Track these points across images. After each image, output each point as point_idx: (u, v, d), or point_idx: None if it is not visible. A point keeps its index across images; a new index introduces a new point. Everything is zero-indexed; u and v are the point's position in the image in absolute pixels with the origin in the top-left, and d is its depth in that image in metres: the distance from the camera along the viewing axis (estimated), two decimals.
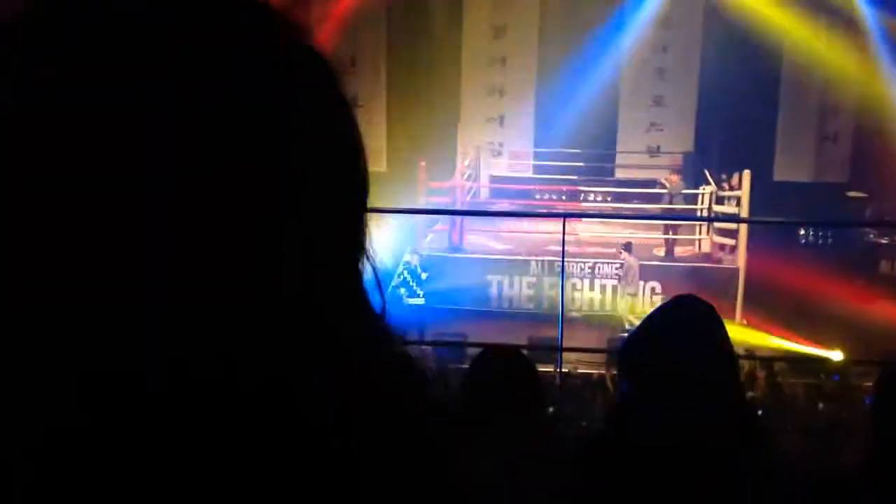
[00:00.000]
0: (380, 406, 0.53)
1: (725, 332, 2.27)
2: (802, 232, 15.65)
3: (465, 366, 2.95)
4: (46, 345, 0.44)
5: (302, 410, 0.49)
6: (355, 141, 0.57)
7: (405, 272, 12.80)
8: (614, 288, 13.56)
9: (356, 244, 0.57)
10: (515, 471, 2.41)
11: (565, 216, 4.93)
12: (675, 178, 14.73)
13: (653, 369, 2.09)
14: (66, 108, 0.45)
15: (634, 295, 12.90)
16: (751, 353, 9.91)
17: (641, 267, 13.56)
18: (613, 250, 13.22)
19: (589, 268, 13.62)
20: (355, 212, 0.57)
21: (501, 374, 2.64)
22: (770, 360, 10.28)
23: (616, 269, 13.05)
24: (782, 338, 11.63)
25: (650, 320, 2.27)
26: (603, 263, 13.64)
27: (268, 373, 0.48)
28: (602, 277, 13.59)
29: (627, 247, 13.13)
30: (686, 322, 2.19)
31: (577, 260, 13.46)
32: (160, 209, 0.45)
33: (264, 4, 0.52)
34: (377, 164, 17.19)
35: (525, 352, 2.92)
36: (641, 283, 13.31)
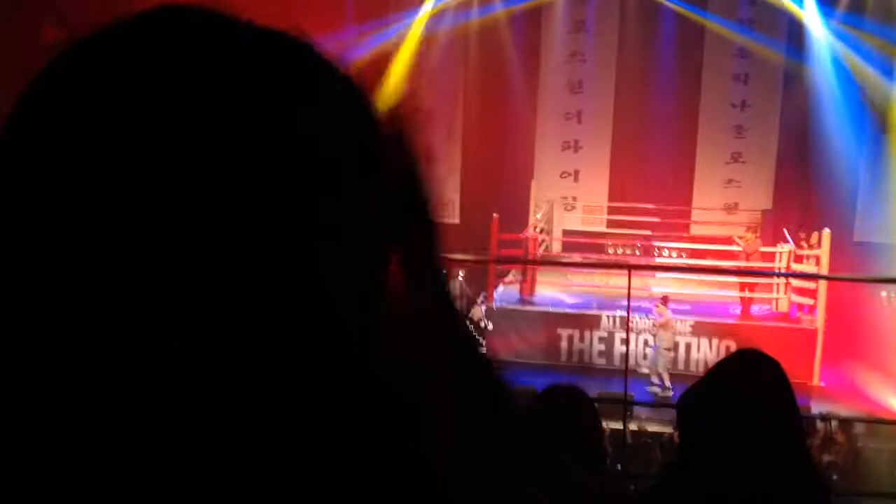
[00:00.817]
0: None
1: (791, 389, 2.22)
2: (884, 294, 15.20)
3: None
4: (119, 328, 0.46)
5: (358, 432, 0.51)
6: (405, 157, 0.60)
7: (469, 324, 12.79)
8: (687, 345, 13.34)
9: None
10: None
11: (630, 267, 4.89)
12: (750, 236, 14.49)
13: (712, 424, 2.06)
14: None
15: (670, 350, 12.65)
16: (828, 415, 9.61)
17: (718, 325, 13.34)
18: (654, 304, 12.98)
19: (661, 324, 13.42)
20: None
21: (564, 407, 2.61)
22: (850, 421, 9.97)
23: (654, 322, 12.81)
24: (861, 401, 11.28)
25: (712, 374, 2.24)
26: (676, 319, 13.44)
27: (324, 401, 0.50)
28: (675, 334, 13.37)
29: (665, 301, 12.90)
30: (748, 376, 2.15)
31: (650, 316, 13.30)
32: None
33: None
34: (450, 216, 17.32)
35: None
36: (685, 338, 13.16)
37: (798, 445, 2.17)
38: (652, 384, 12.33)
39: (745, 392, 2.08)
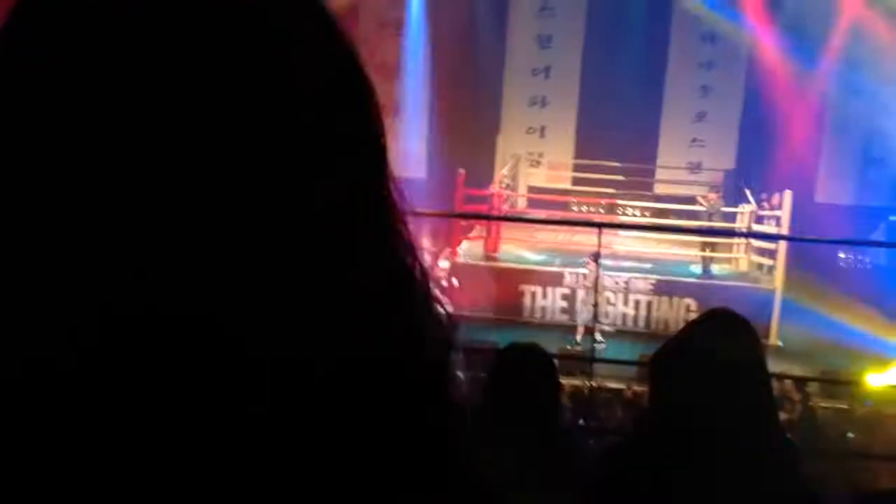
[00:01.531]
0: (405, 399, 0.53)
1: (761, 348, 2.25)
2: (843, 255, 15.44)
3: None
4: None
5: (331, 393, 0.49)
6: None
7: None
8: (649, 303, 13.48)
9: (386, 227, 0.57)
10: (531, 468, 2.41)
11: (601, 226, 4.90)
12: (713, 195, 14.62)
13: (683, 381, 2.07)
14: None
15: (597, 306, 12.74)
16: (784, 375, 9.77)
17: (678, 283, 13.48)
18: (584, 260, 13.06)
19: (623, 282, 13.54)
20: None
21: (521, 368, 2.63)
22: (804, 381, 10.15)
23: (584, 279, 12.89)
24: (816, 361, 11.49)
25: (684, 332, 2.26)
26: (637, 279, 13.56)
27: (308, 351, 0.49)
28: (636, 292, 13.50)
29: (595, 257, 12.97)
30: (720, 334, 2.17)
31: (612, 273, 13.40)
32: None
33: None
34: (417, 170, 17.25)
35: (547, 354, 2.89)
36: (645, 296, 13.31)
37: (769, 404, 2.19)
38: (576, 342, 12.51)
39: (718, 351, 2.09)
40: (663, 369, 2.17)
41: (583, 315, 12.65)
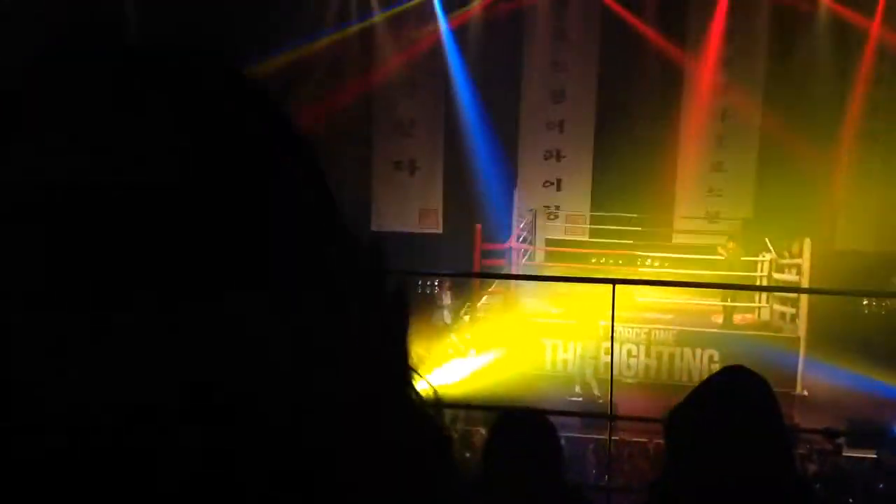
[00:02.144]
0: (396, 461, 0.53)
1: (778, 406, 2.22)
2: (865, 301, 15.30)
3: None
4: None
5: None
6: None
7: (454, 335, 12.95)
8: (671, 354, 13.39)
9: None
10: None
11: (615, 282, 4.87)
12: (731, 245, 14.55)
13: (698, 443, 2.05)
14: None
15: (595, 358, 12.70)
16: (810, 429, 9.64)
17: (700, 334, 13.40)
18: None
19: (645, 333, 13.46)
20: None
21: (520, 439, 2.60)
22: (834, 434, 10.01)
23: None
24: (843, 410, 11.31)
25: (699, 391, 2.23)
26: (658, 329, 13.48)
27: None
28: (657, 344, 13.41)
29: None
30: (735, 395, 2.14)
31: (632, 326, 13.34)
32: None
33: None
34: (433, 225, 17.34)
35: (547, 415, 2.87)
36: (668, 347, 13.23)
37: (786, 462, 2.16)
38: (575, 393, 12.43)
39: (733, 410, 2.07)
40: (678, 430, 2.15)
41: (586, 369, 12.63)
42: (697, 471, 2.03)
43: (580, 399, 12.15)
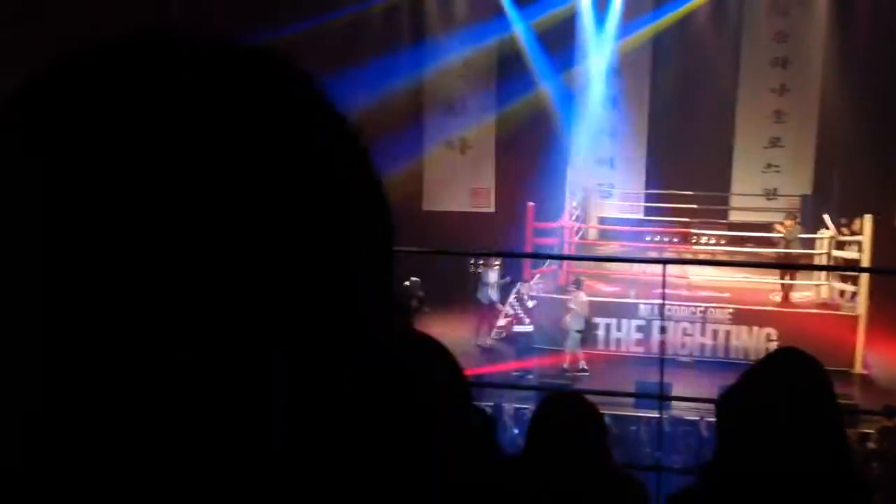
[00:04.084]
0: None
1: (831, 389, 2.19)
2: None
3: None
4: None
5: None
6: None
7: (515, 301, 12.96)
8: (727, 332, 13.25)
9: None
10: None
11: (665, 261, 4.84)
12: (790, 222, 14.29)
13: (749, 426, 2.04)
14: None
15: (581, 331, 12.61)
16: (869, 409, 9.49)
17: (757, 312, 13.23)
18: (570, 287, 13.11)
19: (700, 311, 13.33)
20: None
21: (562, 421, 2.62)
22: (893, 413, 9.84)
23: (569, 305, 12.78)
24: None
25: (751, 373, 2.21)
26: (714, 307, 13.34)
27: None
28: (713, 322, 13.27)
29: (578, 283, 12.90)
30: (787, 378, 2.12)
31: (688, 304, 13.22)
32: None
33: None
34: (486, 204, 17.33)
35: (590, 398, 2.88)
36: (724, 326, 13.10)
37: (837, 446, 2.13)
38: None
39: (784, 393, 2.05)
40: (729, 413, 2.13)
41: (569, 342, 12.62)
42: (748, 455, 2.02)
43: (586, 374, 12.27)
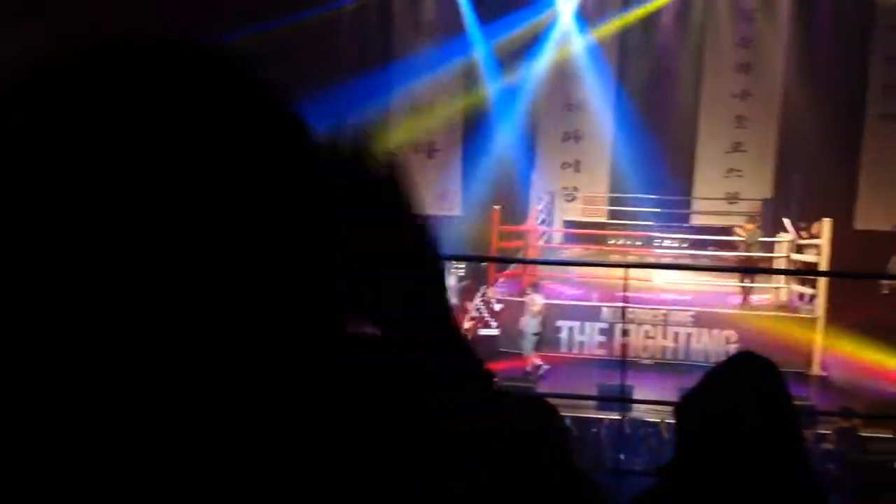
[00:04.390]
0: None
1: (787, 393, 2.25)
2: (884, 282, 15.22)
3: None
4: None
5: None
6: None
7: (481, 304, 13.00)
8: (688, 335, 13.41)
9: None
10: None
11: (628, 266, 4.91)
12: (750, 226, 14.50)
13: (708, 429, 2.09)
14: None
15: (538, 334, 12.76)
16: (827, 410, 9.66)
17: (718, 315, 13.40)
18: (528, 290, 13.25)
19: (662, 314, 13.47)
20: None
21: (522, 424, 2.67)
22: (850, 414, 10.04)
23: (527, 308, 12.91)
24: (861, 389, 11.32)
25: (709, 378, 2.27)
26: (675, 310, 13.49)
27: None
28: (674, 325, 13.42)
29: (534, 286, 13.06)
30: (746, 381, 2.18)
31: (650, 307, 13.35)
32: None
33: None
34: (452, 208, 17.38)
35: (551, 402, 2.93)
36: (685, 328, 13.26)
37: (794, 449, 2.19)
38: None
39: (742, 398, 2.11)
40: (688, 417, 2.19)
41: (526, 345, 12.71)
42: (707, 458, 2.07)
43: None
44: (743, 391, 2.14)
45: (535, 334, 12.75)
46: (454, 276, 14.17)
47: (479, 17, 17.23)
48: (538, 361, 12.66)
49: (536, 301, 12.86)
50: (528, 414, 2.63)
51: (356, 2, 17.04)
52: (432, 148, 17.76)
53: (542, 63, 17.52)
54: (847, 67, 16.22)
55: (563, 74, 17.51)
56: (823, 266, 13.33)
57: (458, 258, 14.14)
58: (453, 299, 13.99)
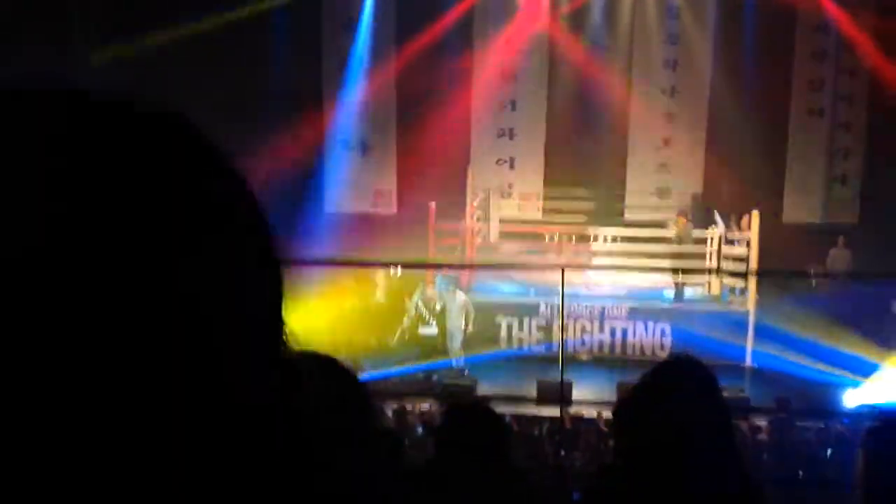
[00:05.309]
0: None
1: (720, 394, 2.32)
2: (812, 272, 15.63)
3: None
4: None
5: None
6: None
7: (419, 303, 13.00)
8: (624, 330, 13.61)
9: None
10: None
11: (564, 267, 4.98)
12: (682, 220, 14.78)
13: (644, 432, 2.14)
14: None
15: (464, 330, 12.92)
16: (760, 403, 9.90)
17: (652, 309, 13.63)
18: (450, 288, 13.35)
19: (598, 310, 13.65)
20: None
21: (465, 432, 2.70)
22: (782, 405, 10.32)
23: (451, 306, 13.06)
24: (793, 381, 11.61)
25: (644, 383, 2.32)
26: (612, 305, 13.68)
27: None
28: (611, 319, 13.61)
29: (455, 283, 13.24)
30: (679, 385, 2.23)
31: (587, 303, 13.52)
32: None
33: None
34: (388, 206, 17.35)
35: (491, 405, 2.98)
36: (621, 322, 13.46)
37: (730, 449, 2.26)
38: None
39: (676, 401, 2.16)
40: (627, 422, 2.24)
41: (455, 342, 12.82)
42: (646, 461, 2.12)
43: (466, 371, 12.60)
44: (676, 394, 2.20)
45: (462, 330, 12.82)
46: (393, 273, 14.18)
47: None
48: (462, 359, 12.74)
49: (459, 298, 12.91)
50: (473, 423, 2.63)
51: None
52: (365, 145, 17.71)
53: (479, 62, 17.58)
54: (772, 62, 16.57)
55: (494, 73, 17.58)
56: (753, 258, 13.67)
57: (394, 263, 14.12)
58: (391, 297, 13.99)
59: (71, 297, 0.47)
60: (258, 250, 0.57)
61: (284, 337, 0.59)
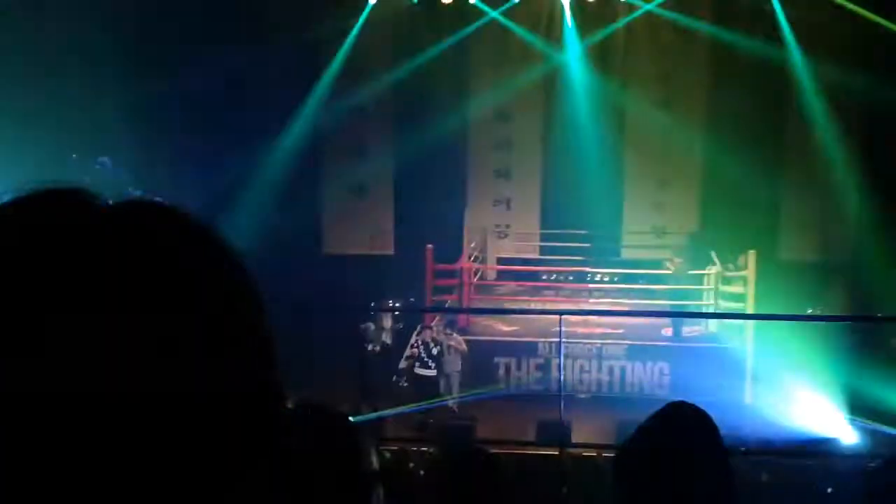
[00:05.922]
0: None
1: (719, 439, 2.34)
2: (810, 310, 15.62)
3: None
4: None
5: None
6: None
7: (419, 344, 12.99)
8: (623, 368, 13.58)
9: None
10: None
11: (562, 314, 5.01)
12: (679, 260, 14.85)
13: (646, 482, 2.16)
14: None
15: (459, 372, 12.88)
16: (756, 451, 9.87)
17: (650, 347, 13.61)
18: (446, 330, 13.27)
19: (596, 348, 13.64)
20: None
21: (463, 477, 2.73)
22: (784, 443, 10.29)
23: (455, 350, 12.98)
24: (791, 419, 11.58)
25: (644, 431, 2.34)
26: (610, 344, 13.67)
27: None
28: (609, 358, 13.59)
29: (451, 326, 13.20)
30: (678, 433, 2.26)
31: (584, 342, 13.51)
32: None
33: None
34: (385, 247, 17.37)
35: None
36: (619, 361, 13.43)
37: (727, 495, 2.28)
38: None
39: (675, 450, 2.18)
40: (627, 470, 2.25)
41: (452, 385, 12.82)
42: None
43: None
44: (676, 442, 2.22)
45: (458, 372, 12.79)
46: (389, 316, 14.13)
47: None
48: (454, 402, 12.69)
49: (455, 340, 12.89)
50: (480, 468, 2.65)
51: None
52: (363, 188, 17.77)
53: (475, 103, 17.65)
54: (766, 98, 16.63)
55: (490, 114, 17.68)
56: (750, 297, 13.69)
57: (391, 310, 14.05)
58: (388, 339, 13.93)
59: None
60: (233, 328, 0.59)
61: (274, 410, 0.62)
